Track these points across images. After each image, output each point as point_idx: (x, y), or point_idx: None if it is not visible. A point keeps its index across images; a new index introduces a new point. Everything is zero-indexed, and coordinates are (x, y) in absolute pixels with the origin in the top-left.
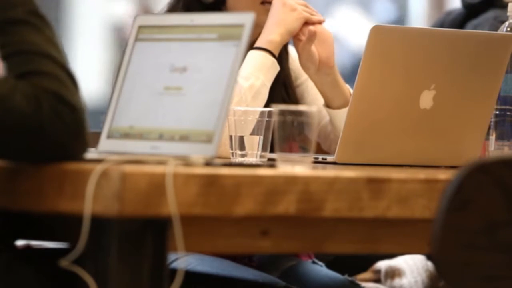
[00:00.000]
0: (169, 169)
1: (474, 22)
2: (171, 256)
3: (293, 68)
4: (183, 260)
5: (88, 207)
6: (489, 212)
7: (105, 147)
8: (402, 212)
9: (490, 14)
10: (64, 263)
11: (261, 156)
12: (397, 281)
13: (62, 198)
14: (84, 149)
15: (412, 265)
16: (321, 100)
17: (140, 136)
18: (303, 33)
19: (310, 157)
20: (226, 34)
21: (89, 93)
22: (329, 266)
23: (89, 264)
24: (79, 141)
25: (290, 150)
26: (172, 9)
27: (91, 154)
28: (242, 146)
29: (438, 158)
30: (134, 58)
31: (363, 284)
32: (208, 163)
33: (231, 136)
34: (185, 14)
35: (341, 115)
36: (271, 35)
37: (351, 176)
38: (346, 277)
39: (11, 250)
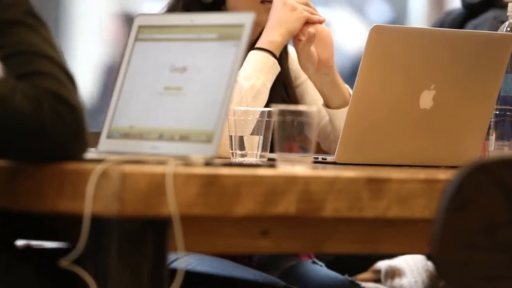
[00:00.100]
0: (169, 169)
1: (474, 22)
2: (171, 256)
3: (292, 68)
4: (183, 260)
5: (88, 207)
6: (489, 212)
7: (105, 147)
8: (402, 212)
9: (490, 14)
10: (64, 263)
11: (261, 156)
12: (397, 281)
13: (62, 198)
14: (84, 149)
15: (412, 265)
16: (320, 100)
17: (140, 136)
18: (303, 33)
19: (310, 157)
20: (226, 34)
21: (87, 93)
22: (329, 266)
23: (89, 264)
24: (79, 141)
25: (290, 150)
26: (172, 9)
27: (91, 154)
28: (242, 146)
29: (438, 158)
30: (134, 58)
31: (363, 284)
32: (208, 163)
33: (231, 136)
34: (185, 14)
35: (340, 114)
36: (272, 36)
37: (351, 176)
38: (346, 277)
39: (11, 250)
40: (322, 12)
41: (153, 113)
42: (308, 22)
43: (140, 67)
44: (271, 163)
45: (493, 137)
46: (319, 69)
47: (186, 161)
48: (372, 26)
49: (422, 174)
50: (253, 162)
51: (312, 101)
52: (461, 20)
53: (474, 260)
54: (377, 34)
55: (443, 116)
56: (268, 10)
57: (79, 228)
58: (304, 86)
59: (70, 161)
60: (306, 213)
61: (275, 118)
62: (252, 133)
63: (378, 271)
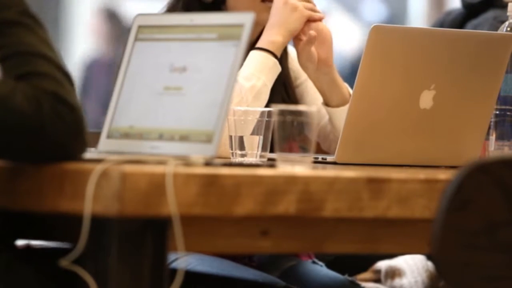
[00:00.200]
0: (169, 169)
1: (474, 22)
2: (171, 256)
3: (292, 68)
4: (183, 260)
5: (88, 207)
6: (489, 212)
7: (105, 147)
8: (402, 212)
9: (490, 14)
10: (64, 263)
11: (261, 156)
12: (397, 281)
13: (62, 198)
14: (83, 149)
15: (412, 265)
16: (320, 100)
17: (140, 136)
18: (304, 32)
19: (310, 157)
20: (226, 34)
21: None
22: (329, 266)
23: (89, 264)
24: (79, 141)
25: (290, 150)
26: (171, 9)
27: (91, 154)
28: (242, 146)
29: (438, 158)
30: (134, 58)
31: (363, 284)
32: (208, 163)
33: (231, 136)
34: (185, 14)
35: (339, 113)
36: (273, 36)
37: (351, 176)
38: (346, 277)
39: (11, 250)
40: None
41: (153, 113)
42: (309, 20)
43: (140, 67)
44: (271, 163)
45: (493, 137)
46: (319, 68)
47: (186, 161)
48: (372, 26)
49: (422, 174)
50: (253, 162)
51: (312, 101)
52: (461, 20)
53: (474, 260)
54: (377, 34)
55: (443, 116)
56: (268, 9)
57: (79, 228)
58: (304, 86)
59: (70, 161)
60: (306, 213)
61: (275, 118)
62: (252, 133)
63: (378, 271)
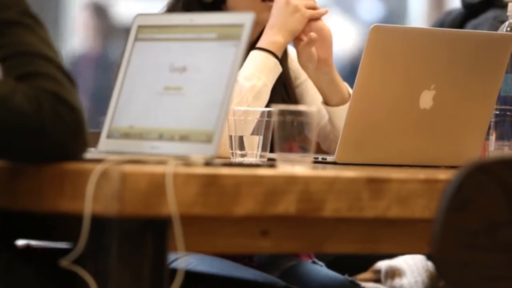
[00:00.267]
0: (169, 169)
1: (474, 22)
2: (171, 256)
3: (292, 68)
4: (183, 260)
5: (88, 207)
6: (489, 212)
7: (105, 147)
8: (402, 212)
9: (490, 14)
10: (64, 263)
11: (261, 156)
12: (397, 281)
13: (62, 198)
14: (84, 148)
15: (412, 265)
16: (320, 100)
17: (140, 136)
18: (305, 33)
19: (310, 157)
20: (226, 34)
21: None
22: (329, 266)
23: (89, 264)
24: (79, 141)
25: (290, 150)
26: (171, 8)
27: (91, 154)
28: (242, 146)
29: (438, 158)
30: (134, 58)
31: (363, 284)
32: (208, 163)
33: (231, 136)
34: (185, 14)
35: (339, 112)
36: (274, 36)
37: (351, 176)
38: (346, 277)
39: (11, 250)
40: None
41: (153, 113)
42: (310, 20)
43: (140, 67)
44: (271, 163)
45: (493, 137)
46: (319, 67)
47: (186, 161)
48: (372, 26)
49: (422, 174)
50: (253, 162)
51: (312, 101)
52: (461, 20)
53: (474, 260)
54: (377, 34)
55: (443, 116)
56: (269, 9)
57: (79, 228)
58: (304, 86)
59: (70, 161)
60: (306, 213)
61: (275, 118)
62: (252, 133)
63: (378, 271)
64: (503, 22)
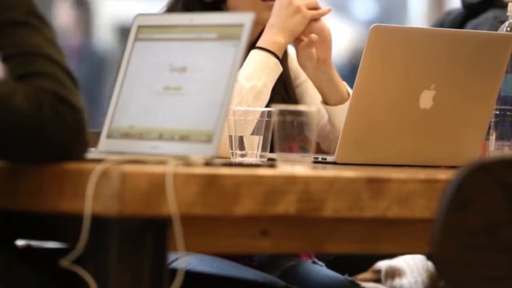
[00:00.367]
0: (169, 169)
1: (474, 22)
2: (171, 256)
3: (292, 68)
4: (183, 260)
5: (88, 207)
6: (489, 212)
7: (105, 147)
8: (402, 212)
9: (490, 14)
10: (65, 263)
11: (261, 156)
12: (397, 281)
13: (62, 198)
14: (84, 148)
15: (412, 265)
16: (320, 100)
17: (140, 136)
18: (305, 33)
19: (310, 157)
20: (226, 34)
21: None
22: (329, 266)
23: (89, 264)
24: (80, 141)
25: (290, 150)
26: (171, 8)
27: (91, 154)
28: (242, 146)
29: (438, 158)
30: (134, 58)
31: (363, 284)
32: (208, 163)
33: (231, 136)
34: (185, 13)
35: (338, 111)
36: (274, 36)
37: (351, 176)
38: (346, 277)
39: (11, 250)
40: None
41: (153, 113)
42: (311, 20)
43: (139, 67)
44: (271, 163)
45: (493, 137)
46: (318, 67)
47: (186, 161)
48: (372, 26)
49: (422, 174)
50: (253, 162)
51: (312, 101)
52: (461, 20)
53: (474, 260)
54: (377, 34)
55: (443, 116)
56: (270, 8)
57: (79, 228)
58: (304, 86)
59: (70, 161)
60: (306, 213)
61: (275, 118)
62: (252, 133)
63: (378, 271)
64: (503, 22)
